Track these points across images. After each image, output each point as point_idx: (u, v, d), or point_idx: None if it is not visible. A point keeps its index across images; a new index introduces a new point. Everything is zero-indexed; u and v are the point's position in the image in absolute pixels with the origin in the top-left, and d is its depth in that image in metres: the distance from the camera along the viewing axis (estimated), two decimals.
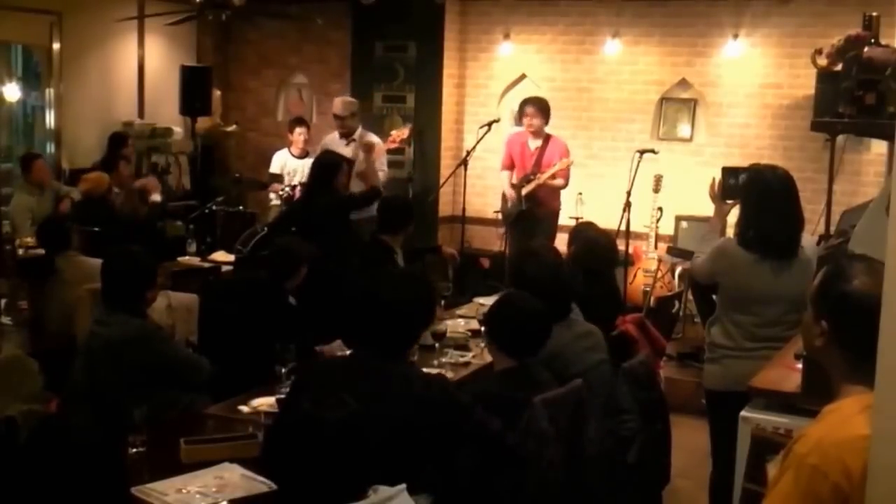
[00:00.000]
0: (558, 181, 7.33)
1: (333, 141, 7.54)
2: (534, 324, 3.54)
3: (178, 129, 9.15)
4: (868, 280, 1.88)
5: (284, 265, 4.75)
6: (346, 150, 7.22)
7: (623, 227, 6.80)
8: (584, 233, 5.19)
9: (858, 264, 1.98)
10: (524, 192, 7.33)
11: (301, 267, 4.73)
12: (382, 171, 7.40)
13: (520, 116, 7.59)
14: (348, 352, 4.18)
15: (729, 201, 4.26)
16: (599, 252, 4.84)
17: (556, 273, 4.07)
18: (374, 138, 7.53)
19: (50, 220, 5.93)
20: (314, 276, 5.03)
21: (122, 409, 3.30)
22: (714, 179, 4.33)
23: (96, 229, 6.12)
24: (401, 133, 7.64)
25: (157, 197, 7.58)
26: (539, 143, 7.42)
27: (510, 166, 7.55)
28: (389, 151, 7.85)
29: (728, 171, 4.33)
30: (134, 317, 3.94)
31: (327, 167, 6.37)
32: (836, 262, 2.07)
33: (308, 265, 4.92)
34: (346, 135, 7.44)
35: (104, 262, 4.16)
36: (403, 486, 2.29)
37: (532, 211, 7.32)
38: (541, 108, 7.41)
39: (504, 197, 7.60)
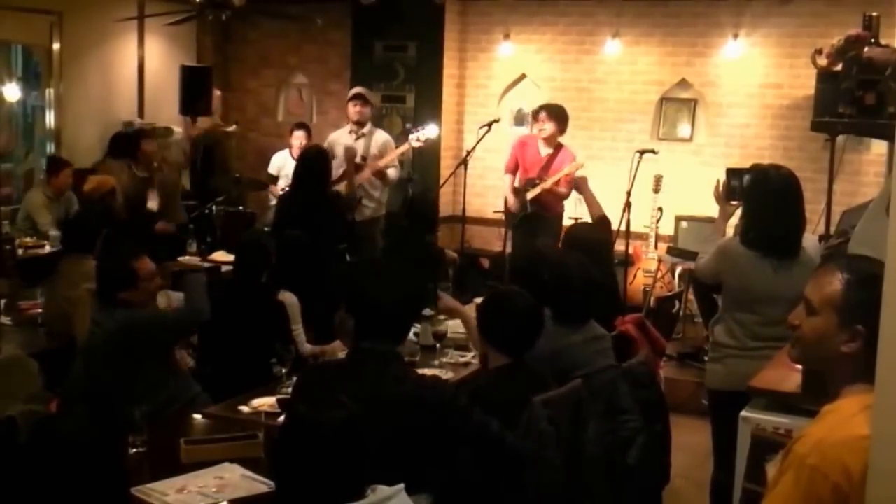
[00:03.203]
0: (562, 189, 7.25)
1: (343, 136, 7.47)
2: (526, 320, 3.49)
3: (178, 129, 9.14)
4: None
5: (256, 260, 4.73)
6: (359, 145, 7.18)
7: (623, 227, 6.80)
8: (574, 235, 5.17)
9: (872, 262, 1.94)
10: (529, 196, 7.29)
11: (272, 258, 4.70)
12: (394, 167, 7.38)
13: (534, 120, 7.46)
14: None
15: (733, 202, 4.27)
16: (590, 252, 4.80)
17: (570, 275, 4.06)
18: (383, 136, 7.49)
19: (79, 220, 5.87)
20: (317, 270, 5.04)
21: (122, 408, 3.31)
22: (718, 181, 4.33)
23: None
24: (429, 135, 7.49)
25: (152, 204, 7.58)
26: (550, 150, 7.36)
27: (514, 169, 7.49)
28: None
29: (732, 172, 4.34)
30: (124, 310, 3.95)
31: (311, 162, 6.34)
32: (853, 265, 2.01)
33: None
34: (361, 123, 7.35)
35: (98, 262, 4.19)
36: (402, 486, 2.29)
37: (537, 214, 7.30)
38: (553, 114, 7.27)
39: (507, 199, 7.58)
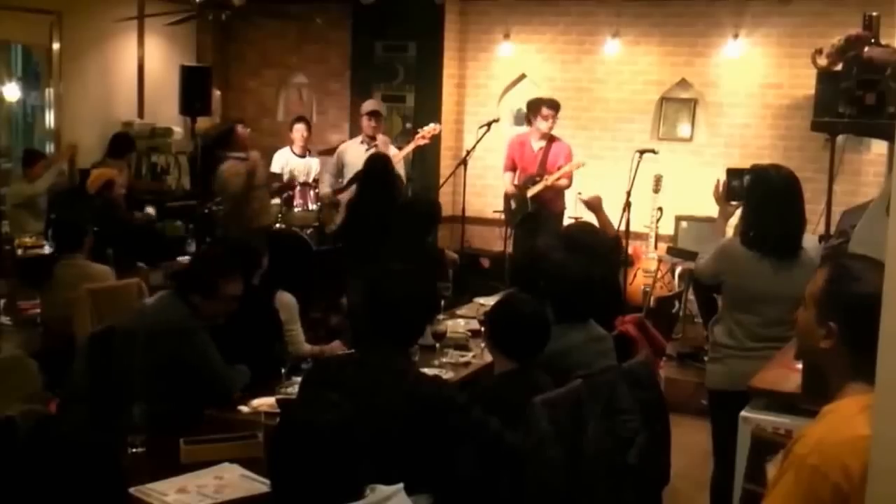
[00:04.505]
0: (563, 182, 7.34)
1: (353, 146, 7.49)
2: (534, 325, 3.54)
3: (178, 129, 9.15)
4: (875, 278, 1.87)
5: (244, 263, 4.70)
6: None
7: (623, 228, 6.79)
8: (581, 239, 5.14)
9: (861, 263, 1.98)
10: (530, 193, 7.33)
11: (262, 259, 4.67)
12: (400, 176, 7.39)
13: (533, 116, 7.50)
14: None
15: (733, 202, 4.27)
16: (599, 258, 4.80)
17: (570, 275, 4.07)
18: (392, 148, 7.52)
19: (66, 219, 5.89)
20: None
21: (124, 405, 3.30)
22: (719, 181, 4.33)
23: (95, 229, 6.12)
24: (433, 129, 7.57)
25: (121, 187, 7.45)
26: (542, 144, 7.41)
27: (512, 168, 7.56)
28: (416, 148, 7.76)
29: (732, 173, 4.34)
30: (186, 307, 3.87)
31: (377, 168, 6.46)
32: (838, 262, 2.06)
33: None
34: (374, 138, 7.39)
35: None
36: (401, 485, 2.29)
37: (538, 212, 7.32)
38: (557, 108, 7.42)
39: (507, 198, 7.60)
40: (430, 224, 6.14)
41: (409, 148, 7.51)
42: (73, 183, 7.53)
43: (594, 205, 5.80)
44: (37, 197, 7.37)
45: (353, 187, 6.94)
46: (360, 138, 7.53)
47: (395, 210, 6.17)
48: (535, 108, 7.48)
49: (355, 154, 7.34)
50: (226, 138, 7.38)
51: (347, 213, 6.81)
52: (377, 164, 6.56)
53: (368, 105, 7.60)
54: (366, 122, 7.45)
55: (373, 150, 7.21)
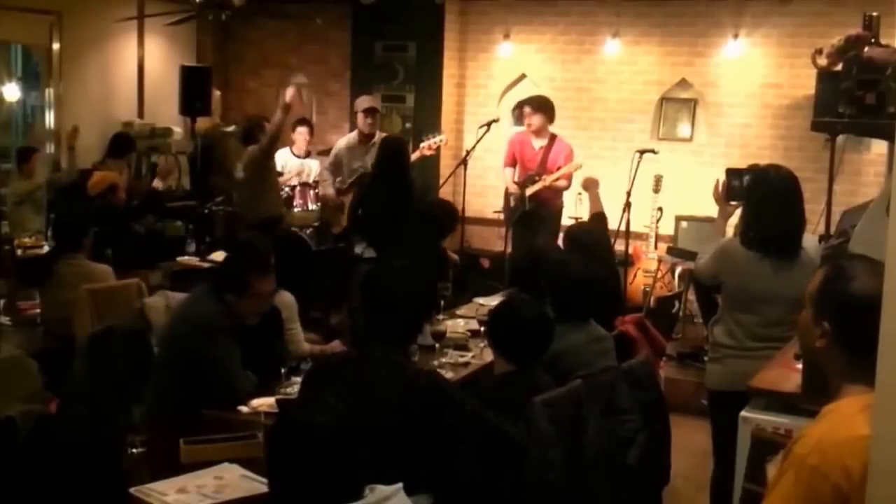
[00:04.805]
0: (562, 182, 7.31)
1: (351, 148, 7.42)
2: (534, 329, 3.54)
3: (178, 129, 9.15)
4: (870, 279, 1.87)
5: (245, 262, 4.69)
6: (368, 158, 7.05)
7: (623, 228, 6.80)
8: (581, 239, 5.15)
9: (858, 264, 1.98)
10: (528, 192, 7.31)
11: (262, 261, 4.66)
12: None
13: (520, 118, 7.59)
14: None
15: (733, 202, 4.27)
16: (591, 251, 4.80)
17: (571, 274, 4.07)
18: None
19: (66, 219, 5.89)
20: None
21: (124, 405, 3.30)
22: (718, 181, 4.33)
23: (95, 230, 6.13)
24: (439, 142, 7.56)
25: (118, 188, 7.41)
26: (543, 142, 7.39)
27: (512, 164, 7.53)
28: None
29: (732, 172, 4.33)
30: (218, 304, 3.85)
31: (393, 150, 6.38)
32: (836, 262, 2.06)
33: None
34: (371, 135, 7.32)
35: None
36: (400, 485, 2.28)
37: (536, 211, 7.32)
38: (538, 105, 7.36)
39: (506, 195, 7.59)
40: (447, 231, 6.14)
41: (414, 156, 7.45)
42: (73, 176, 7.52)
43: (590, 184, 6.02)
44: (36, 191, 7.39)
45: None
46: (355, 136, 7.43)
47: (412, 212, 6.14)
48: (518, 109, 7.54)
49: (353, 156, 7.31)
50: (253, 134, 7.34)
51: (357, 193, 6.73)
52: (391, 150, 6.42)
53: (365, 101, 7.46)
54: (362, 120, 7.32)
55: (372, 148, 7.17)
